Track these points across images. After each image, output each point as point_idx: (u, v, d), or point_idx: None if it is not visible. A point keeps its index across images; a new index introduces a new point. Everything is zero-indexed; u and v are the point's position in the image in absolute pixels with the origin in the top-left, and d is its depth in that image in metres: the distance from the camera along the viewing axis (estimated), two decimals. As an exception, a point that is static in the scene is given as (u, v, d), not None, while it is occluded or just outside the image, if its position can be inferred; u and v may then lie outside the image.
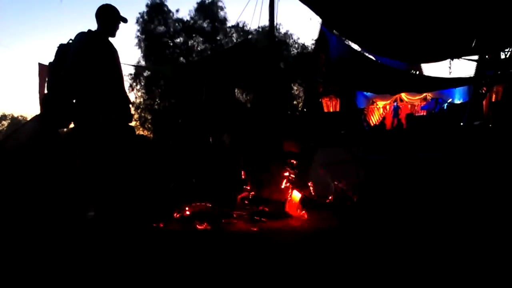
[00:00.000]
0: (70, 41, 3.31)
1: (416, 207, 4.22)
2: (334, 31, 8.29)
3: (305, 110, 13.05)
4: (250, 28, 19.86)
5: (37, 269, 2.41)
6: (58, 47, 3.34)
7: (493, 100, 9.81)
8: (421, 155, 5.82)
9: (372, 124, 13.73)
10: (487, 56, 7.46)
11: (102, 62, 3.29)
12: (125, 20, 3.49)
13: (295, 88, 21.56)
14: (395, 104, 13.59)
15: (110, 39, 3.46)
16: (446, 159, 5.53)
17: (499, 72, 8.28)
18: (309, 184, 4.73)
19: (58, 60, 3.30)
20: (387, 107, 14.20)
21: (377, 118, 14.12)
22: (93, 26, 3.40)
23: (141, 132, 21.98)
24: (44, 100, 3.39)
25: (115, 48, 3.46)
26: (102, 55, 3.31)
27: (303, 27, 69.14)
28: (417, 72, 12.33)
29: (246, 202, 4.65)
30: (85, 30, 3.37)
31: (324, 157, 4.95)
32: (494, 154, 5.46)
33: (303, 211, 4.25)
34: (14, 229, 2.84)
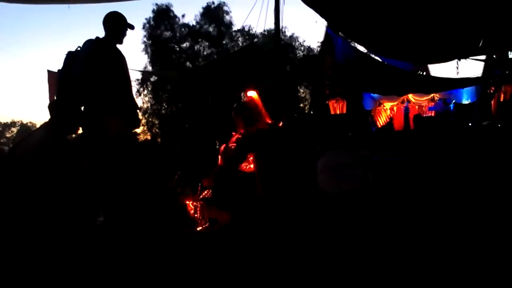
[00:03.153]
0: (79, 49, 3.36)
1: (425, 211, 4.19)
2: (339, 33, 8.30)
3: (311, 112, 13.04)
4: (255, 31, 19.99)
5: (51, 274, 2.43)
6: (67, 55, 3.39)
7: (502, 100, 9.75)
8: (434, 156, 5.78)
9: (379, 126, 13.68)
10: (494, 56, 7.42)
11: (110, 68, 3.33)
12: (132, 27, 3.54)
13: (301, 90, 21.58)
14: (405, 105, 13.51)
15: (118, 45, 3.50)
16: (456, 160, 5.48)
17: (507, 72, 8.23)
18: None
19: (67, 68, 3.34)
20: (394, 108, 14.15)
21: (385, 120, 14.07)
22: (101, 34, 3.45)
23: (148, 137, 22.14)
24: (52, 106, 3.42)
25: (122, 55, 3.50)
26: (110, 62, 3.35)
27: (309, 30, 69.14)
28: (424, 73, 12.29)
29: None
30: (93, 37, 3.42)
31: (331, 160, 4.92)
32: (503, 154, 5.41)
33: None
34: (24, 233, 2.87)
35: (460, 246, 2.98)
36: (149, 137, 22.59)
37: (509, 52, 7.67)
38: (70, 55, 3.37)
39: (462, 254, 2.75)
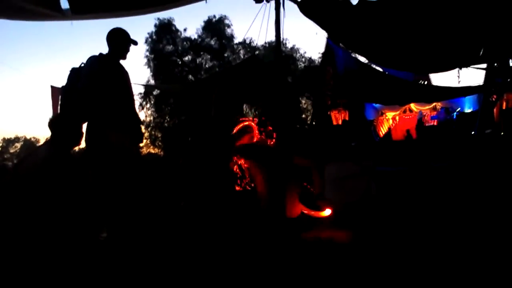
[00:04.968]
0: (82, 65, 3.39)
1: (427, 219, 4.16)
2: (340, 44, 8.34)
3: (314, 123, 13.04)
4: (257, 44, 20.13)
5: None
6: (71, 71, 3.42)
7: (504, 107, 9.75)
8: (434, 165, 5.76)
9: (381, 135, 13.67)
10: (495, 64, 7.43)
11: (113, 84, 3.35)
12: (135, 43, 3.57)
13: (303, 101, 21.64)
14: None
15: (121, 61, 3.54)
16: (459, 168, 5.47)
17: (508, 80, 8.23)
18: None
19: (71, 84, 3.37)
20: (397, 117, 14.15)
21: (387, 129, 14.06)
22: (104, 50, 3.49)
23: (152, 151, 22.16)
24: (52, 122, 3.42)
25: (126, 70, 3.53)
26: (113, 78, 3.37)
27: (310, 41, 69.48)
28: (426, 82, 12.30)
29: None
30: (97, 53, 3.45)
31: (335, 170, 4.93)
32: (507, 162, 5.39)
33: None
34: (28, 249, 2.87)
35: (464, 253, 2.95)
36: (152, 150, 22.59)
37: (510, 60, 7.68)
38: (74, 72, 3.40)
39: (466, 262, 2.72)
